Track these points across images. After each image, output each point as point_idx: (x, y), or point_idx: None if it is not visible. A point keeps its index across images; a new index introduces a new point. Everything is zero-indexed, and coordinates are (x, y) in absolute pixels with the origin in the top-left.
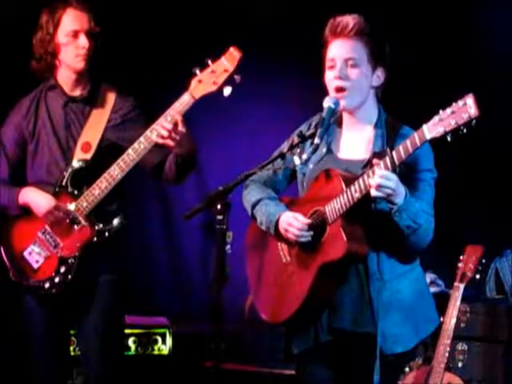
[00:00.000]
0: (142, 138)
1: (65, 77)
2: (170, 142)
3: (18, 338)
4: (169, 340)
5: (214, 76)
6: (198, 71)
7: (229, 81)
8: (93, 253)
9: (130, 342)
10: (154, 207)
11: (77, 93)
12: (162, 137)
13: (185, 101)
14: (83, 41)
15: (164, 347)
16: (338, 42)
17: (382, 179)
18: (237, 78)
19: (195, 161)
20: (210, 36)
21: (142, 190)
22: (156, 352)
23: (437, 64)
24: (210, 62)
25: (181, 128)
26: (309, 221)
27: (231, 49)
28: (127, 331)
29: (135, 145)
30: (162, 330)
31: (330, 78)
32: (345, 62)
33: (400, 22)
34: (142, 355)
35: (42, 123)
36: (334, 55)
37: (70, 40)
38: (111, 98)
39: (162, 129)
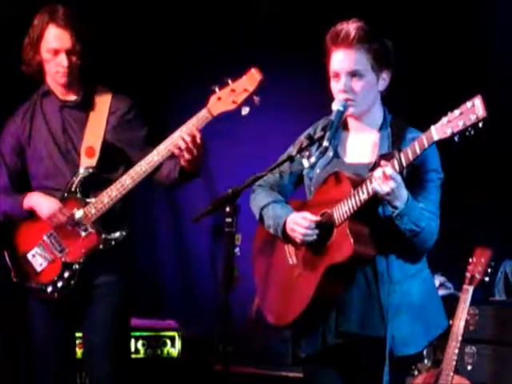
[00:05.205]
0: (155, 151)
1: (54, 84)
2: (186, 155)
3: (22, 340)
4: (178, 343)
5: (233, 95)
6: (216, 89)
7: (247, 101)
8: (98, 259)
9: (140, 344)
10: (162, 210)
11: (71, 98)
12: (179, 148)
13: (203, 117)
14: (62, 60)
15: (173, 350)
16: (340, 52)
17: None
18: (256, 99)
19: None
20: (216, 43)
21: (151, 195)
22: (165, 355)
23: (443, 65)
24: (230, 80)
25: (198, 140)
26: (316, 218)
27: (253, 70)
28: (137, 334)
29: (149, 157)
30: (171, 333)
31: (335, 91)
32: (349, 75)
33: (407, 21)
34: (151, 358)
35: (38, 129)
36: (337, 68)
37: (51, 57)
38: (107, 100)
39: (181, 140)
